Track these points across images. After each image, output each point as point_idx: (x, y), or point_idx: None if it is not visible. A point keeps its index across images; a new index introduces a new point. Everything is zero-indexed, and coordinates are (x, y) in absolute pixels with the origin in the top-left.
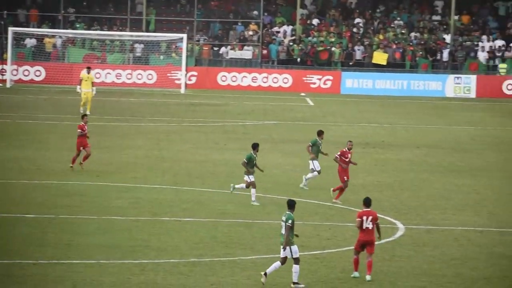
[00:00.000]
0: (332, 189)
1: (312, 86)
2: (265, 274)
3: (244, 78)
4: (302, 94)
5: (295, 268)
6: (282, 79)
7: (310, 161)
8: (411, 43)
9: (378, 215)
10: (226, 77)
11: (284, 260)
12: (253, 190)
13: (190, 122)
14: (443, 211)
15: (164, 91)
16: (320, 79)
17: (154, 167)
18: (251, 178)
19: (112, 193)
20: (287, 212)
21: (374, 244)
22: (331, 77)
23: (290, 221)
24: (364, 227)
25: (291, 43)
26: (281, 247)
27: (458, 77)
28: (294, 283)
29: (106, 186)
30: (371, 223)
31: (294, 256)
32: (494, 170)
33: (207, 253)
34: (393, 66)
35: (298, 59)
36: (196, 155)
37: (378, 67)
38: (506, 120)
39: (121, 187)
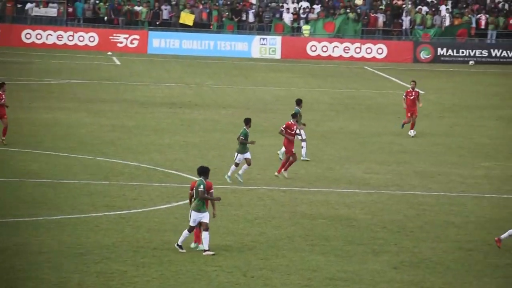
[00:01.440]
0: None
1: (119, 45)
2: (179, 246)
3: (49, 36)
4: (109, 53)
5: (204, 234)
6: (88, 37)
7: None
8: (217, 4)
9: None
10: (30, 35)
11: (192, 229)
12: (245, 166)
13: None
14: (248, 171)
15: None
16: (126, 38)
17: None
18: (247, 155)
19: None
20: (200, 179)
21: (208, 216)
22: (138, 37)
23: (201, 186)
24: None
25: (97, 1)
26: (190, 211)
27: (263, 38)
28: (204, 250)
29: None
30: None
31: (203, 221)
32: None
33: (11, 213)
34: (199, 26)
35: (105, 18)
36: None
37: (185, 27)
38: (310, 81)
39: None
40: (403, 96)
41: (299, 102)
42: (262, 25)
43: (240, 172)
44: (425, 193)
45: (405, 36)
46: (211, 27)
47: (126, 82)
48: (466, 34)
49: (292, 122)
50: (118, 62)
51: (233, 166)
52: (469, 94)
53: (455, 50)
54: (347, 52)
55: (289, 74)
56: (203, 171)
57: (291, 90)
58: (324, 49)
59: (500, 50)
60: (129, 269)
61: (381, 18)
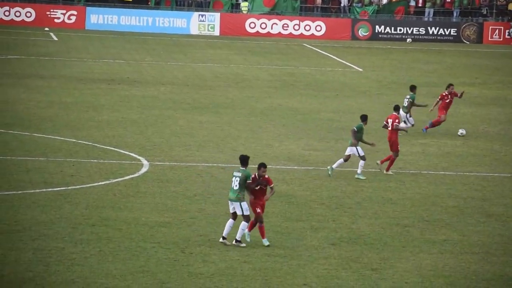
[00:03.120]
0: (379, 161)
1: (57, 21)
2: (224, 238)
3: None
4: (46, 29)
5: (243, 225)
6: (25, 13)
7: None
8: None
9: (124, 151)
10: None
11: (234, 216)
12: (361, 162)
13: None
14: (187, 147)
15: None
16: (64, 14)
17: None
18: (360, 151)
19: None
20: (242, 168)
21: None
22: (75, 12)
23: (251, 177)
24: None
25: None
26: (237, 203)
27: (202, 15)
28: (236, 240)
29: None
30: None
31: (244, 213)
32: (237, 107)
33: None
34: (138, 2)
35: None
36: None
37: (123, 3)
38: (248, 58)
39: None
40: (437, 99)
41: (413, 88)
42: (200, 1)
43: (334, 166)
44: (363, 170)
45: (343, 13)
46: (149, 3)
47: (64, 58)
48: (404, 11)
49: (395, 114)
50: (55, 38)
51: (361, 162)
52: (407, 72)
53: (392, 28)
54: (286, 29)
55: (228, 51)
56: (244, 160)
57: (230, 67)
58: (263, 26)
59: (437, 28)
60: (67, 245)
61: None
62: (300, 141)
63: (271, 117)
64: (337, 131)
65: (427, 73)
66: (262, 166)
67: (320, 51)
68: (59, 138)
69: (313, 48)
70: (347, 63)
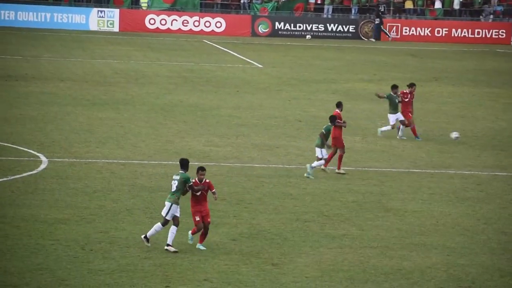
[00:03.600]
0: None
1: None
2: (146, 237)
3: None
4: None
5: (157, 226)
6: None
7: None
8: None
9: (20, 147)
10: None
11: (166, 222)
12: (319, 163)
13: None
14: (87, 144)
15: None
16: None
17: None
18: (324, 154)
19: None
20: (181, 171)
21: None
22: None
23: (192, 182)
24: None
25: None
26: (169, 204)
27: (101, 11)
28: (145, 237)
29: None
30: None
31: (166, 217)
32: (137, 103)
33: None
34: None
35: None
36: None
37: None
38: (148, 54)
39: None
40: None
41: (393, 87)
42: None
43: (313, 165)
44: (264, 166)
45: (243, 10)
46: None
47: None
48: (303, 8)
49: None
50: None
51: (319, 162)
52: (306, 68)
53: (292, 24)
54: (186, 26)
55: (128, 47)
56: (184, 164)
57: (129, 63)
58: (163, 22)
59: (336, 25)
60: None
61: None
62: (201, 137)
63: (171, 114)
64: (237, 127)
65: (326, 70)
66: (201, 169)
67: (220, 48)
68: None
69: (213, 44)
70: (247, 60)
